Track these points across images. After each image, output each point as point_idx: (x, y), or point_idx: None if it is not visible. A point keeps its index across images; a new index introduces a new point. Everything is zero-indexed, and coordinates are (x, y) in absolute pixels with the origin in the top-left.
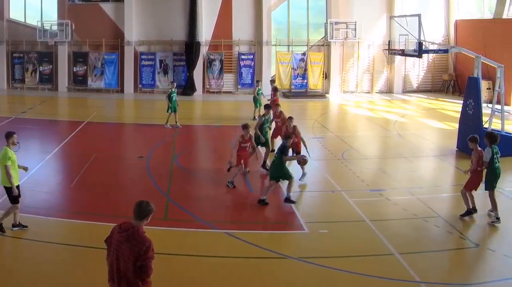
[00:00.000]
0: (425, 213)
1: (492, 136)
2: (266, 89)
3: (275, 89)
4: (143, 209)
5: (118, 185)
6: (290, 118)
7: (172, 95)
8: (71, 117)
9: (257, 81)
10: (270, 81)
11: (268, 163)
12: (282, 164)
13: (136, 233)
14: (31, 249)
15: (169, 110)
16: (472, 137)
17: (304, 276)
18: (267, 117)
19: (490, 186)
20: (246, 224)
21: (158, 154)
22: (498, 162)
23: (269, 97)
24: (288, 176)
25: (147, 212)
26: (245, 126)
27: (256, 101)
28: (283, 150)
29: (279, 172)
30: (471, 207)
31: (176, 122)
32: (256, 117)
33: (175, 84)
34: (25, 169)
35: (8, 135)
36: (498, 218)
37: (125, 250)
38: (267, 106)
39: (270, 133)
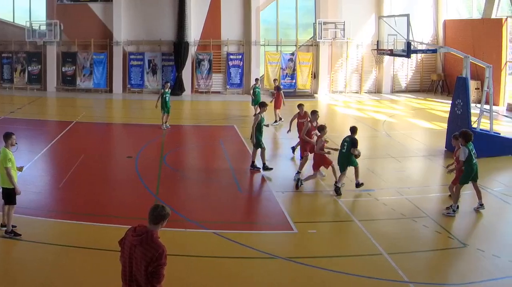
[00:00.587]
0: (414, 213)
1: (467, 135)
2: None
3: (278, 89)
4: (158, 213)
5: (107, 185)
6: (315, 112)
7: (165, 95)
8: (60, 117)
9: (256, 79)
10: (274, 80)
11: (257, 163)
12: (350, 155)
13: (150, 238)
14: (19, 249)
15: (163, 111)
16: (456, 135)
17: (293, 276)
18: (263, 116)
19: (464, 181)
20: (234, 224)
21: (146, 153)
22: (476, 158)
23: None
24: (347, 167)
25: (162, 216)
26: (322, 128)
27: (252, 99)
28: (354, 142)
29: (346, 161)
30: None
31: (165, 123)
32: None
33: (169, 84)
34: (21, 169)
35: (7, 136)
36: (454, 211)
37: (138, 254)
38: (262, 104)
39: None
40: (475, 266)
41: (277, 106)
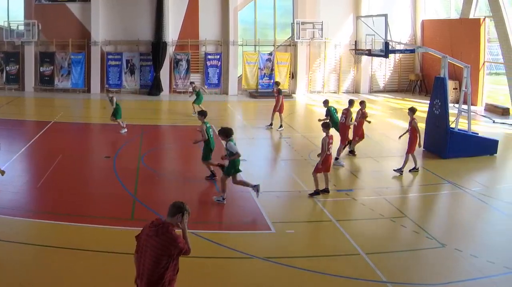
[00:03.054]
0: (392, 213)
1: (225, 131)
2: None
3: (278, 92)
4: (177, 206)
5: (84, 185)
6: (363, 102)
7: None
8: (38, 117)
9: (191, 82)
10: (275, 82)
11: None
12: None
13: (166, 229)
14: None
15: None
16: (323, 123)
17: (271, 276)
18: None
19: (228, 173)
20: (212, 224)
21: (124, 154)
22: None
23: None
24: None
25: (178, 208)
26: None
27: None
28: None
29: None
30: (325, 187)
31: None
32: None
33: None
34: (2, 173)
35: None
36: (224, 198)
37: (152, 243)
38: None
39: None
40: (453, 266)
41: (280, 110)
